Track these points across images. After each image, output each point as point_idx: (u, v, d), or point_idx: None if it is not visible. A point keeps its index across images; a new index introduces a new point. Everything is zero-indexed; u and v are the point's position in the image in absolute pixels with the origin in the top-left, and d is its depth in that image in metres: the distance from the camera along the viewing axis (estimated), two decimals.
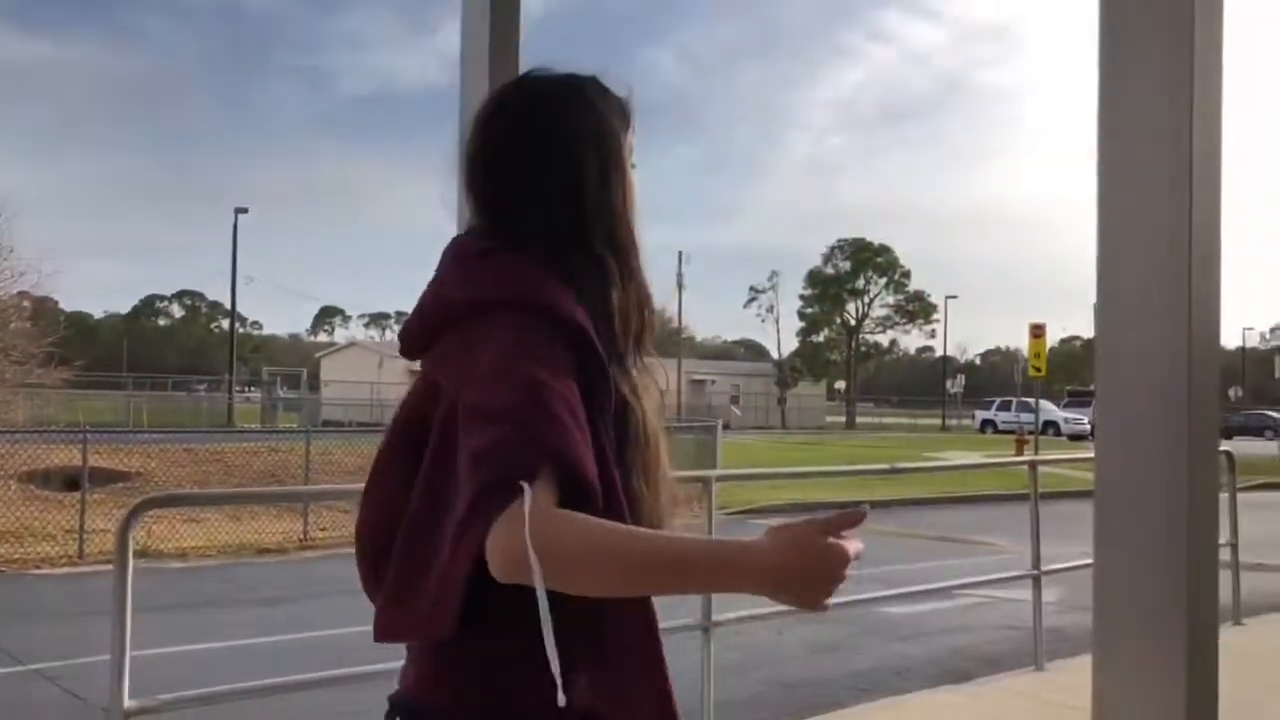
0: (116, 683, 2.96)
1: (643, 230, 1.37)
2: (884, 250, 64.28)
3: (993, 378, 77.45)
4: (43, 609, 8.33)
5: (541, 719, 1.17)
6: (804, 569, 1.15)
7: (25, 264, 16.54)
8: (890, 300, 64.83)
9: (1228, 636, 6.58)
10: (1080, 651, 5.26)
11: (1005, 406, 46.71)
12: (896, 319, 65.26)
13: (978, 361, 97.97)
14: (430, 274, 1.37)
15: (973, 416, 53.75)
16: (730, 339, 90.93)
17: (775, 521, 1.28)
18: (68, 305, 47.91)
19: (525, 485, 1.08)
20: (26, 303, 17.14)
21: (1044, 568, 6.05)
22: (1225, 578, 7.02)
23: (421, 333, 1.32)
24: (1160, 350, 1.97)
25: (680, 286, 51.51)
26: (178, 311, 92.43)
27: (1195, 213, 1.96)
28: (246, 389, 52.39)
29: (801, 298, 64.10)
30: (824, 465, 20.09)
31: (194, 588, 9.10)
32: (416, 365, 1.36)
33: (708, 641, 4.42)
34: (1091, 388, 2.18)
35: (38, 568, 10.05)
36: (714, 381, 51.80)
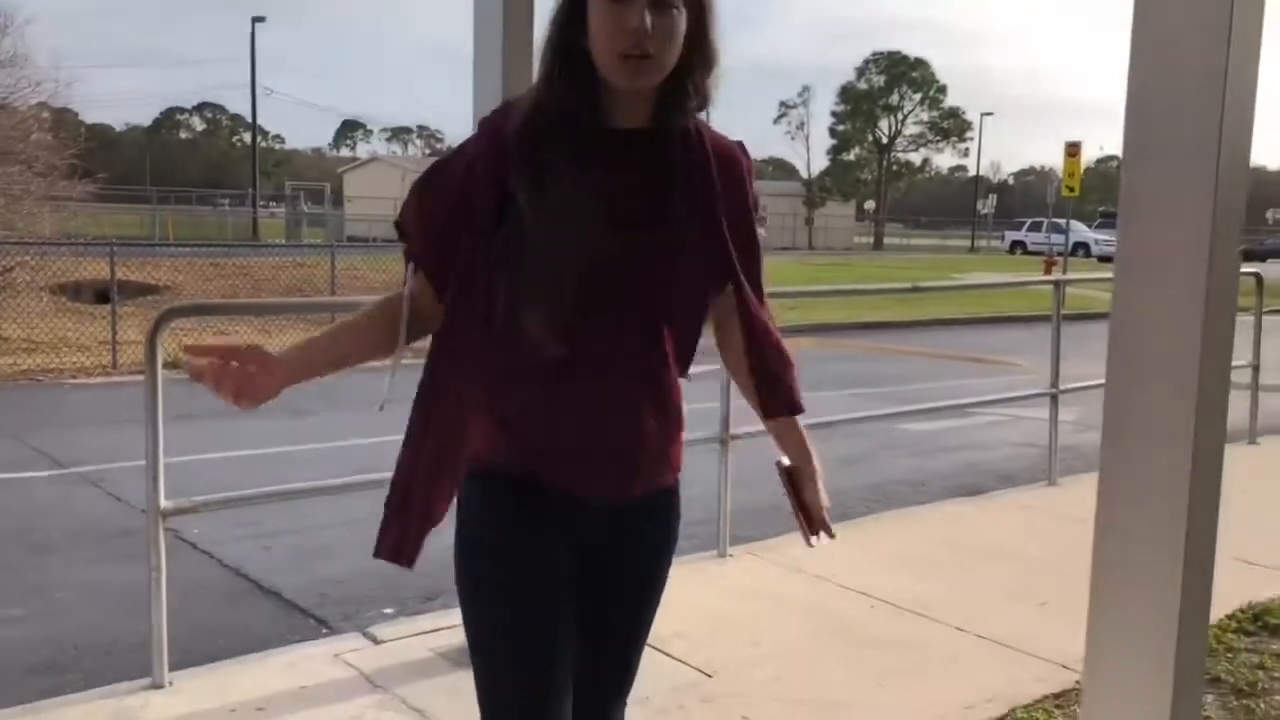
0: (152, 484, 3.07)
1: (609, 42, 1.44)
2: (920, 64, 62.12)
3: (1026, 198, 76.07)
4: (81, 416, 8.58)
5: None
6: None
7: (42, 74, 16.27)
8: (924, 117, 63.07)
9: (1241, 454, 6.69)
10: (1094, 469, 5.35)
11: (1036, 227, 46.03)
12: (930, 137, 63.62)
13: (1011, 181, 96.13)
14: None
15: (1002, 238, 53.11)
16: (758, 157, 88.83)
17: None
18: (88, 118, 47.38)
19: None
20: (46, 114, 16.90)
21: (1061, 386, 6.09)
22: (1244, 398, 7.05)
23: None
24: (1187, 169, 1.92)
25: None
26: (199, 124, 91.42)
27: (1234, 29, 1.87)
28: (270, 204, 52.24)
29: (833, 114, 62.53)
30: (848, 284, 20.01)
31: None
32: None
33: (725, 454, 4.52)
34: None
35: (74, 377, 10.29)
36: None
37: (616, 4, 1.42)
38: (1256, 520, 5.21)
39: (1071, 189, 21.06)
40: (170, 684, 3.16)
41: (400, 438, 1.54)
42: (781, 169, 78.35)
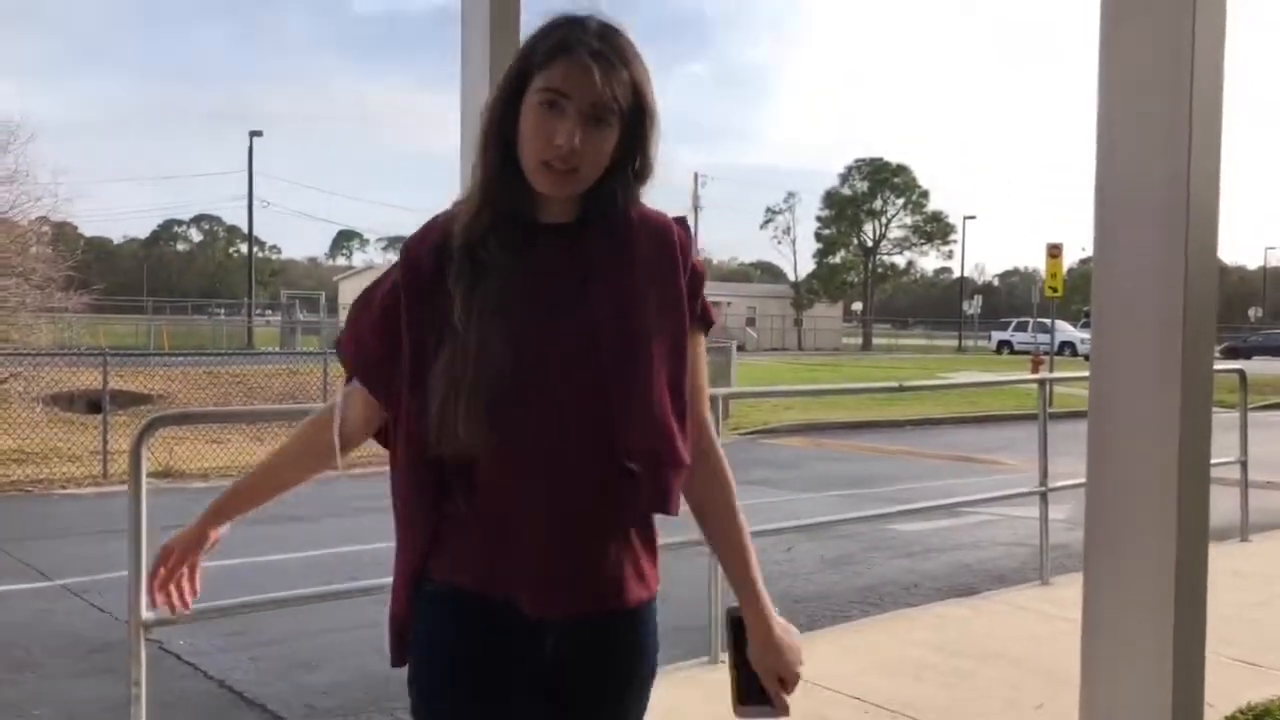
0: (135, 594, 3.05)
1: (536, 149, 1.44)
2: (901, 170, 63.39)
3: (1011, 298, 76.93)
4: (69, 527, 8.52)
5: None
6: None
7: (42, 189, 16.56)
8: (908, 221, 64.10)
9: (1233, 553, 6.67)
10: None
11: (1021, 327, 46.43)
12: (914, 240, 64.58)
13: (995, 283, 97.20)
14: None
15: (989, 338, 53.54)
16: (747, 261, 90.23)
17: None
18: (87, 230, 48.01)
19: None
20: (46, 228, 17.17)
21: (1050, 484, 6.10)
22: (1234, 495, 7.06)
23: None
24: (1156, 266, 1.98)
25: (696, 208, 51.23)
26: (196, 236, 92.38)
27: (1195, 135, 1.95)
28: (266, 312, 52.57)
29: (818, 219, 63.45)
30: (837, 384, 20.10)
31: None
32: None
33: (714, 558, 4.49)
34: None
35: (63, 488, 10.24)
36: (730, 304, 51.61)
37: (551, 114, 1.42)
38: (1252, 618, 5.18)
39: (1055, 289, 21.30)
40: None
41: (391, 544, 1.56)
42: (769, 272, 79.31)
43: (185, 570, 1.72)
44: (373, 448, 1.65)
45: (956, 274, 73.93)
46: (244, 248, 64.21)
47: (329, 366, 14.81)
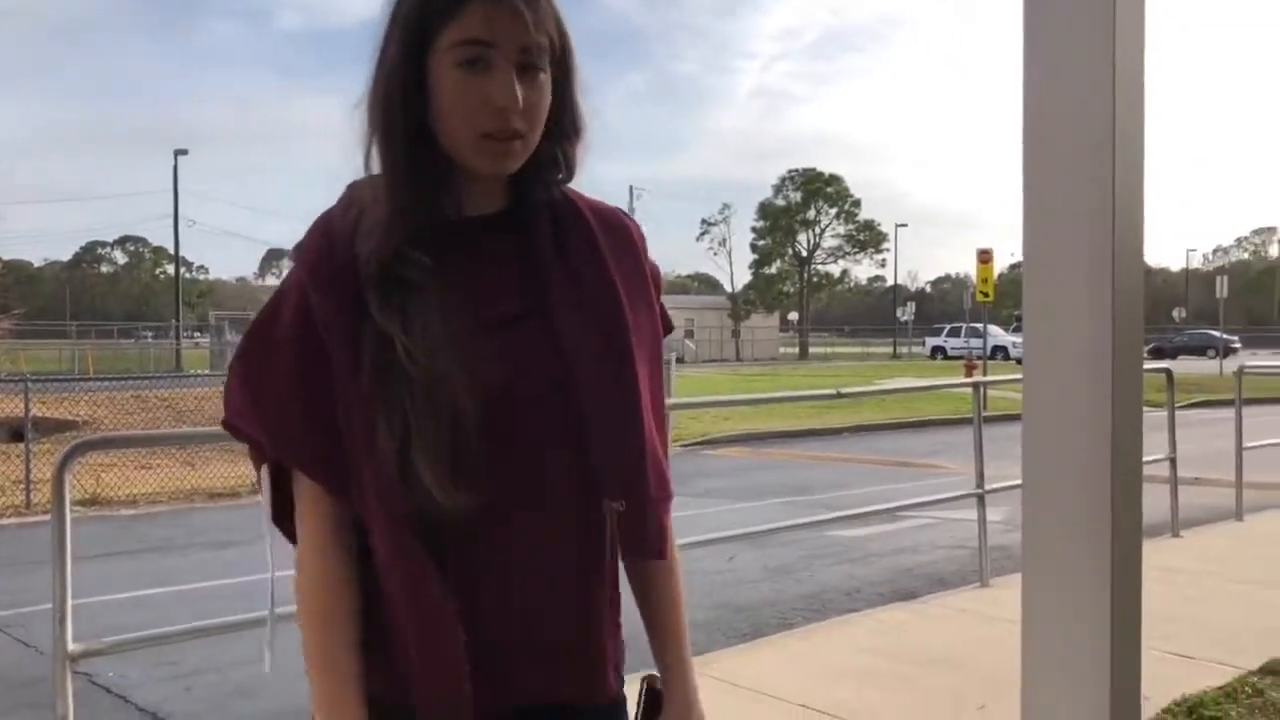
0: (59, 626, 2.95)
1: (472, 119, 1.15)
2: (834, 180, 64.33)
3: (944, 305, 78.22)
4: None
5: None
6: None
7: None
8: (841, 230, 65.07)
9: (1164, 548, 6.80)
10: None
11: (955, 333, 47.25)
12: (848, 249, 65.55)
13: (928, 289, 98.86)
14: None
15: (923, 344, 54.35)
16: (683, 273, 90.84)
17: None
18: (5, 254, 46.73)
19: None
20: None
21: (987, 487, 6.18)
22: (1164, 492, 7.22)
23: None
24: (1084, 269, 2.00)
25: None
26: (120, 258, 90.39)
27: (1118, 142, 1.98)
28: (194, 334, 51.60)
29: (753, 229, 64.16)
30: (776, 393, 20.24)
31: (145, 533, 9.03)
32: None
33: None
34: None
35: None
36: None
37: (476, 75, 1.13)
38: (1184, 613, 5.28)
39: (986, 294, 21.68)
40: None
41: None
42: (707, 284, 79.80)
43: None
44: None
45: (890, 282, 75.06)
46: (171, 269, 63.02)
47: None
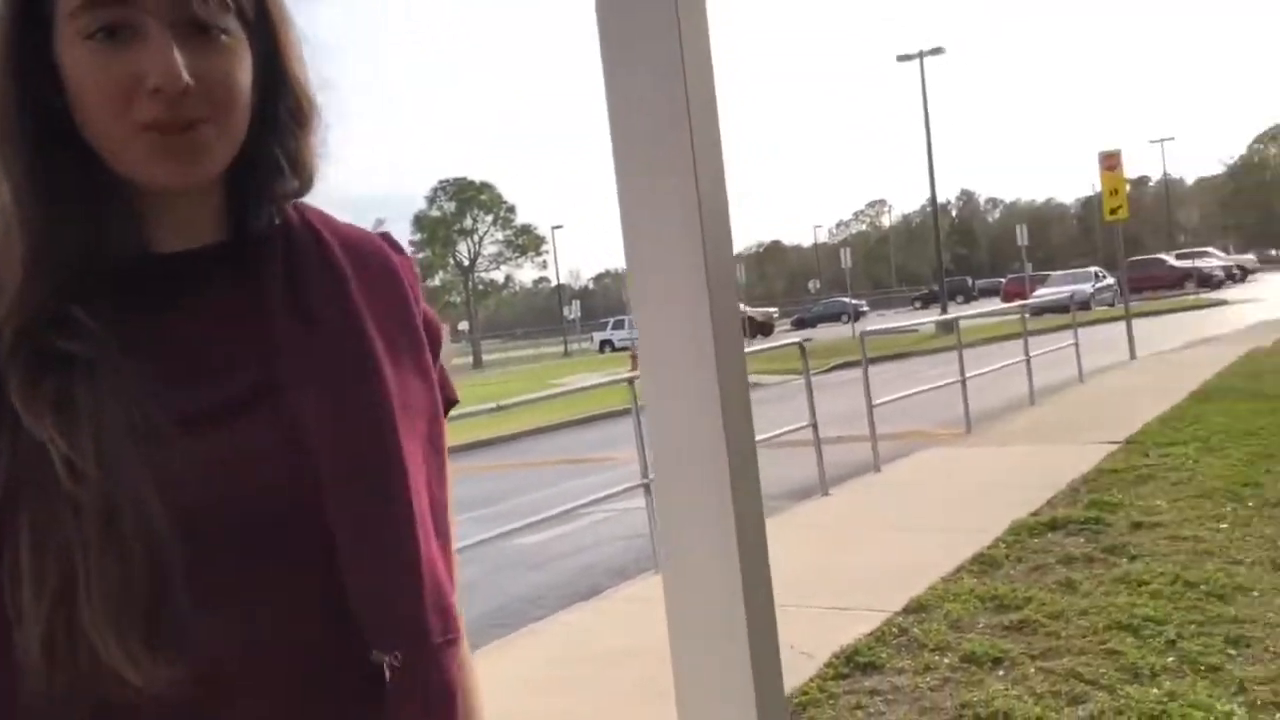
0: None
1: (117, 107, 0.80)
2: (486, 187, 64.85)
3: (606, 299, 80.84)
4: None
5: None
6: None
7: None
8: (499, 236, 65.76)
9: (816, 509, 7.31)
10: None
11: (620, 325, 48.94)
12: (508, 254, 66.34)
13: (591, 286, 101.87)
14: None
15: (591, 338, 55.92)
16: None
17: None
18: None
19: None
20: None
21: (651, 476, 6.37)
22: (811, 455, 7.76)
23: None
24: (679, 262, 2.06)
25: None
26: None
27: (697, 146, 2.06)
28: None
29: (412, 243, 63.28)
30: None
31: None
32: None
33: None
34: None
35: None
36: None
37: (117, 47, 0.79)
38: (835, 564, 5.69)
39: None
40: None
41: None
42: None
43: None
44: None
45: (554, 282, 76.58)
46: None
47: None
